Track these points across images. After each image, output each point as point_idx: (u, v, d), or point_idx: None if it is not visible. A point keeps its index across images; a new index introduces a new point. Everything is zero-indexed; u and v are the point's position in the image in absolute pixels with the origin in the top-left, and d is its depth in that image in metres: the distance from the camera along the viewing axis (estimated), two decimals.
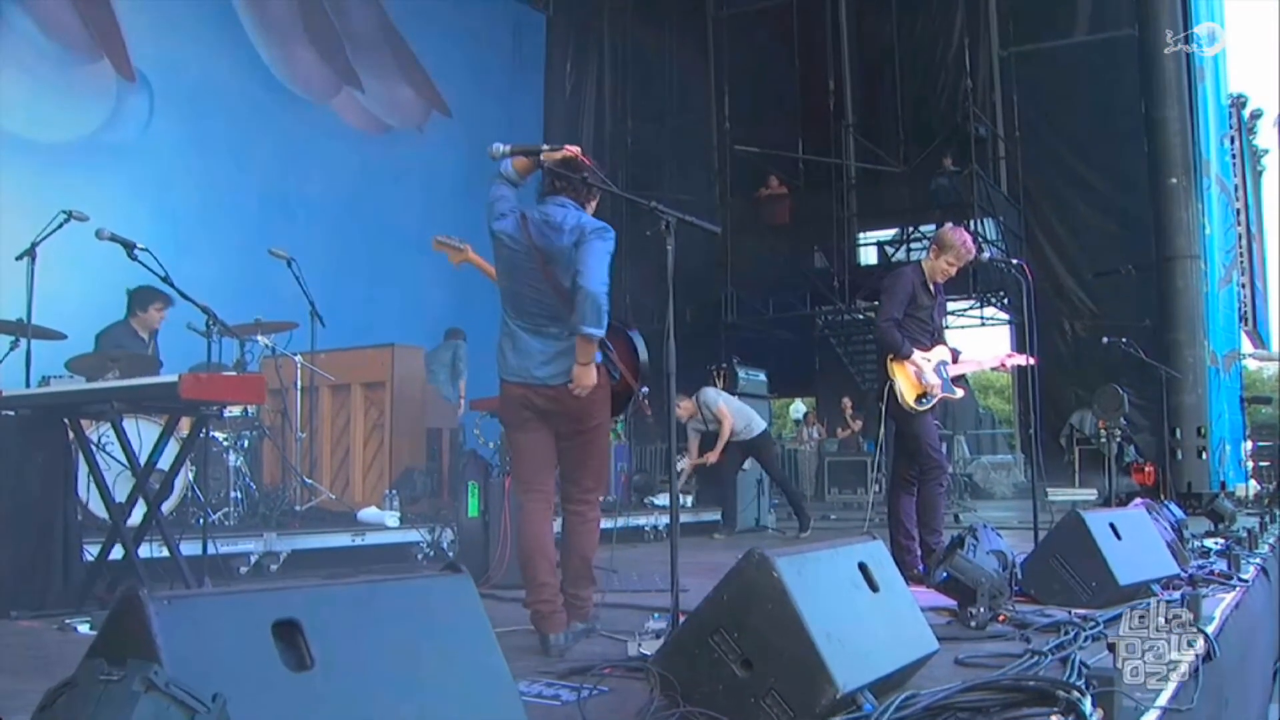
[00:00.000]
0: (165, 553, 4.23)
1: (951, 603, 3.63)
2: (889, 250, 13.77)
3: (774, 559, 2.26)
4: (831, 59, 13.86)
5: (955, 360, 5.24)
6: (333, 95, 11.00)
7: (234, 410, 6.14)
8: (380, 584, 1.97)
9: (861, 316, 13.56)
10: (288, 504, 6.49)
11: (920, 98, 13.48)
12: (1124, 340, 8.71)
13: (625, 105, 14.48)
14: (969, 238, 5.20)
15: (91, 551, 4.29)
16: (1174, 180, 10.64)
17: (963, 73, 12.53)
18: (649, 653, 2.80)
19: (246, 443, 6.46)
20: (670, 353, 2.93)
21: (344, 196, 10.48)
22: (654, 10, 14.17)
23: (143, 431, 4.73)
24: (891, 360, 4.98)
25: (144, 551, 4.29)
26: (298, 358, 6.80)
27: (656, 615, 3.54)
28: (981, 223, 11.85)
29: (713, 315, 13.01)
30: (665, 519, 7.67)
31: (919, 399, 4.95)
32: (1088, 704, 2.17)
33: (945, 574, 3.58)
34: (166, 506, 5.44)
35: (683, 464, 8.42)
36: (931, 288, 5.16)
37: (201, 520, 5.08)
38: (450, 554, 5.86)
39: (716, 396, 8.53)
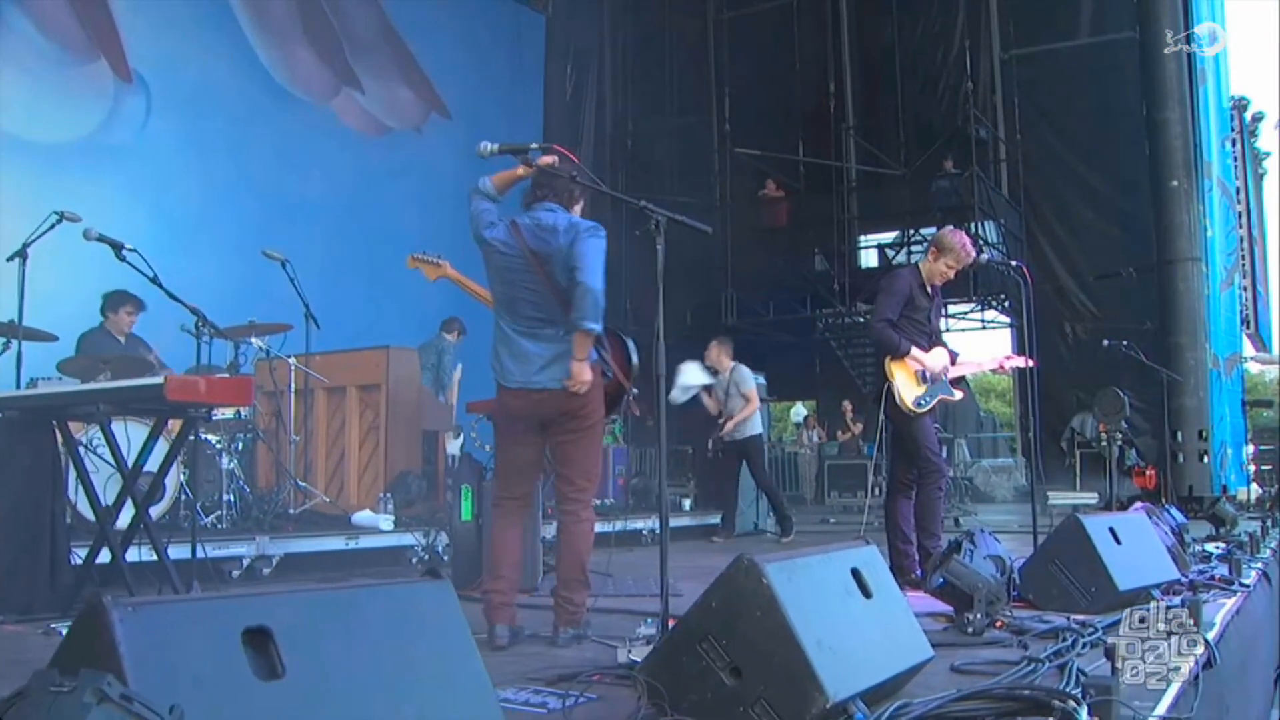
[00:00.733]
0: (155, 556, 4.19)
1: (948, 608, 3.58)
2: (890, 253, 13.73)
3: (763, 565, 2.21)
4: (832, 61, 13.85)
5: (954, 362, 5.19)
6: (332, 96, 10.97)
7: (227, 413, 6.11)
8: (357, 590, 1.93)
9: (862, 319, 13.48)
10: (281, 507, 6.45)
11: (921, 100, 13.45)
12: (1125, 343, 8.67)
13: (625, 106, 14.45)
14: (968, 240, 5.16)
15: (80, 555, 4.25)
16: (1175, 182, 10.60)
17: (963, 75, 12.49)
18: (639, 659, 2.75)
19: (241, 445, 6.43)
20: (661, 354, 2.89)
21: (343, 198, 10.45)
22: (654, 11, 14.14)
23: (135, 434, 4.68)
24: (890, 360, 4.94)
25: (133, 555, 4.25)
26: (291, 360, 6.76)
27: (649, 620, 3.50)
28: (982, 225, 11.81)
29: (713, 317, 12.96)
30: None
31: (918, 400, 4.90)
32: (1084, 714, 2.12)
33: (942, 579, 3.54)
34: (159, 510, 5.41)
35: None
36: (929, 290, 5.11)
37: (194, 523, 5.03)
38: (445, 558, 5.82)
39: (754, 378, 8.48)
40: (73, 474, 4.34)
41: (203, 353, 6.06)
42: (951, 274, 5.08)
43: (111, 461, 4.18)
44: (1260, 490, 12.79)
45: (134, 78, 8.96)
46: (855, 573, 2.55)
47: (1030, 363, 5.41)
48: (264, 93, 10.15)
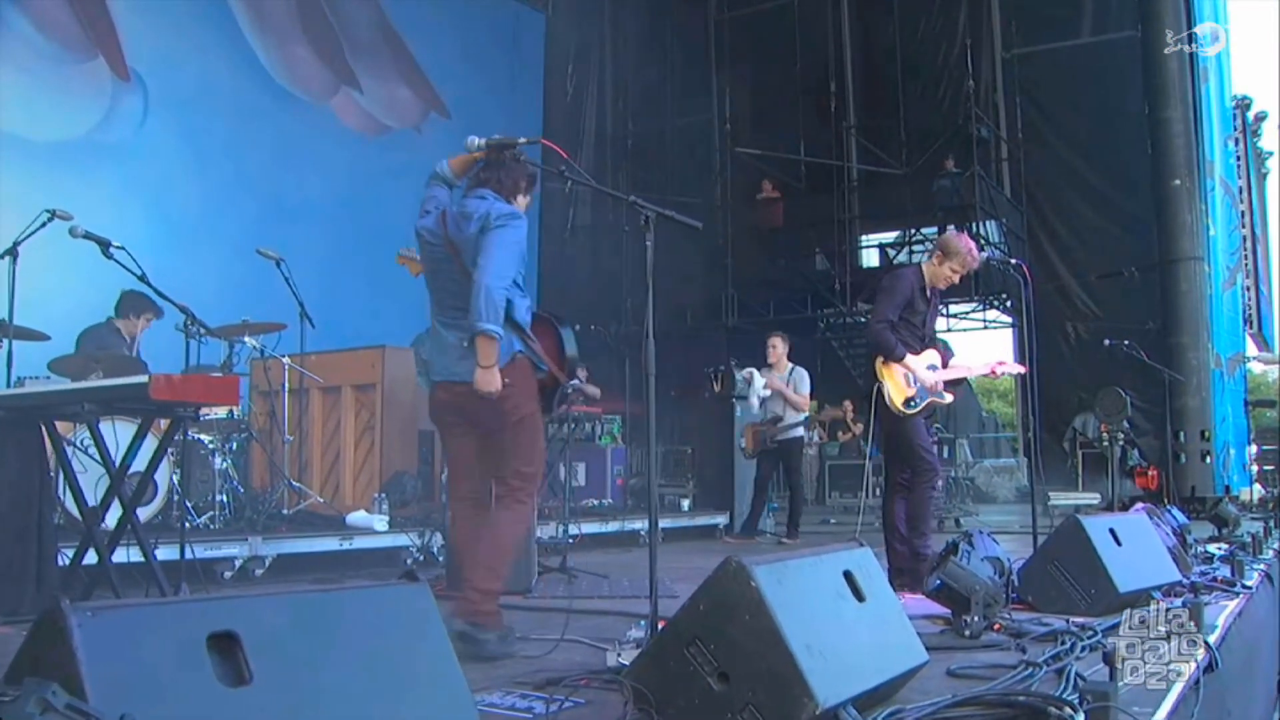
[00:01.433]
0: (143, 557, 4.14)
1: (945, 611, 3.53)
2: (891, 252, 13.69)
3: (751, 567, 2.16)
4: (833, 60, 13.79)
5: (945, 364, 5.14)
6: (330, 95, 10.93)
7: (220, 412, 6.06)
8: (330, 593, 1.88)
9: (864, 319, 13.45)
10: (275, 508, 6.40)
11: (922, 99, 13.38)
12: (1127, 343, 8.63)
13: (625, 106, 14.39)
14: (974, 245, 5.12)
15: (68, 555, 4.20)
16: (1177, 182, 10.56)
17: (965, 74, 12.42)
18: (628, 662, 2.71)
19: (235, 445, 6.38)
20: (650, 352, 2.83)
21: (341, 197, 10.39)
22: (654, 11, 14.09)
23: (126, 435, 4.64)
24: (881, 363, 4.89)
25: (122, 556, 4.20)
26: (286, 359, 6.71)
27: (641, 623, 3.45)
28: (984, 225, 11.75)
29: (713, 317, 12.92)
30: (663, 523, 7.58)
31: (906, 402, 4.86)
32: None
33: (938, 581, 3.48)
34: (151, 510, 5.37)
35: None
36: (929, 293, 5.06)
37: (182, 524, 4.98)
38: (440, 559, 5.77)
39: (808, 381, 8.43)
40: (62, 474, 4.30)
41: (199, 352, 6.02)
42: (956, 279, 5.02)
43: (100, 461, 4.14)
44: (1263, 491, 12.74)
45: (132, 76, 8.92)
46: (848, 575, 2.50)
47: (1022, 369, 5.35)
48: (262, 92, 10.11)
